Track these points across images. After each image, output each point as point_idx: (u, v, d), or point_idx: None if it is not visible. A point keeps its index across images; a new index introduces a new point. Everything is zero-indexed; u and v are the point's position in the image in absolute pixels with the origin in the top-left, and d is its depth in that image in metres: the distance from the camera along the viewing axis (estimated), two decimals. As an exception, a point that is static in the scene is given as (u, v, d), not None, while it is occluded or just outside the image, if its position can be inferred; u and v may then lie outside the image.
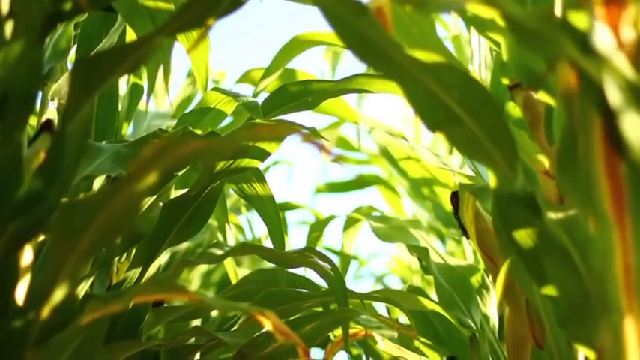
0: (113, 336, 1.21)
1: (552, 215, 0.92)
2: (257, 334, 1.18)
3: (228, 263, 1.55)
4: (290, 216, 2.20)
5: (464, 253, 2.02)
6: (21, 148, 0.90)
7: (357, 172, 2.45)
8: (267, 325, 0.90)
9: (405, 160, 1.71)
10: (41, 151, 0.99)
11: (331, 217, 1.57)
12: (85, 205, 0.78)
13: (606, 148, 0.79)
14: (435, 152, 1.53)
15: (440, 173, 1.67)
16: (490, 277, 1.53)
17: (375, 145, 2.05)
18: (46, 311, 0.79)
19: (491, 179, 0.96)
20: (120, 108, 1.42)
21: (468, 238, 1.22)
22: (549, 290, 0.94)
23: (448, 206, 1.64)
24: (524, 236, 0.93)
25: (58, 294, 0.79)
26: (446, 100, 0.90)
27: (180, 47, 1.48)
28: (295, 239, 2.41)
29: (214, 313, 1.79)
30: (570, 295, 0.89)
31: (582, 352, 0.99)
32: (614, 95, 0.73)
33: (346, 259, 1.53)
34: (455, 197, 1.22)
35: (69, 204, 0.78)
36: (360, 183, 2.36)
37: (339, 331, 1.51)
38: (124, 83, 1.55)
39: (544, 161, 1.09)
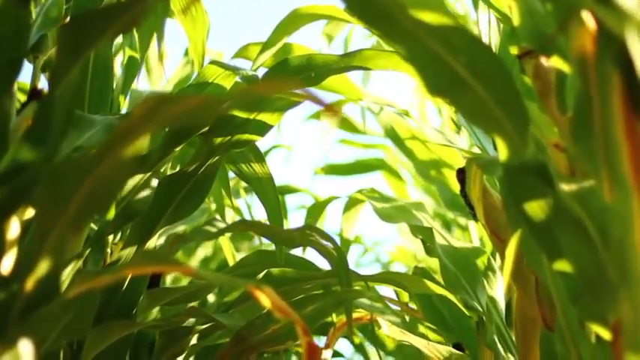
0: (106, 319, 1.17)
1: (565, 186, 0.88)
2: (256, 316, 1.14)
3: (227, 247, 1.51)
4: (290, 200, 2.15)
5: (470, 240, 1.98)
6: (6, 114, 0.86)
7: (360, 155, 2.42)
8: (265, 303, 0.86)
9: (411, 139, 1.66)
10: (29, 119, 0.95)
11: (332, 198, 1.53)
12: (71, 170, 0.74)
13: (626, 110, 0.75)
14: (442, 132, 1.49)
15: (446, 154, 1.62)
16: (497, 260, 1.49)
17: (379, 128, 2.01)
18: (30, 283, 0.75)
19: (500, 149, 0.92)
20: (116, 84, 1.38)
21: (475, 216, 1.18)
22: (562, 265, 0.90)
23: (455, 188, 1.59)
24: (535, 208, 0.89)
25: (43, 265, 0.75)
26: (453, 64, 0.86)
27: (178, 28, 1.45)
28: (295, 224, 2.36)
29: (212, 298, 1.76)
30: (585, 268, 0.85)
31: (596, 331, 0.95)
32: (637, 51, 0.68)
33: (346, 242, 1.48)
34: (461, 173, 1.18)
35: (54, 169, 0.74)
36: (363, 166, 2.31)
37: (341, 317, 1.47)
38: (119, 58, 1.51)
39: (554, 134, 1.05)
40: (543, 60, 1.00)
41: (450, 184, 1.61)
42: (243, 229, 1.13)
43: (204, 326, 1.18)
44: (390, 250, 2.93)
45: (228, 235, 1.67)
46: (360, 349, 1.88)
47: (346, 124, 2.30)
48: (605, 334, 0.91)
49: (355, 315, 1.43)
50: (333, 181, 2.37)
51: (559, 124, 1.01)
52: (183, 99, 0.71)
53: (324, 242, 1.11)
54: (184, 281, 1.75)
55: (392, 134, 1.74)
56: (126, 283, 1.21)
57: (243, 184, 2.01)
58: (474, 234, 1.97)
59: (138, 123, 0.71)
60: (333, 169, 2.35)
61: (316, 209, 1.61)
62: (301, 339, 0.88)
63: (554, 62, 0.97)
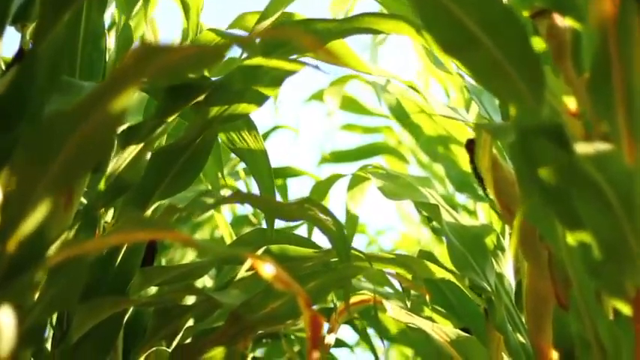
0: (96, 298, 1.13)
1: (583, 150, 0.84)
2: (253, 294, 1.10)
3: (224, 226, 1.46)
4: (291, 185, 2.10)
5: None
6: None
7: (363, 141, 2.37)
8: (265, 274, 0.82)
9: (418, 114, 1.61)
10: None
11: (336, 176, 1.48)
12: (54, 126, 0.69)
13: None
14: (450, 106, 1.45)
15: (455, 129, 1.58)
16: (505, 239, 1.45)
17: (383, 107, 1.97)
18: (12, 245, 0.71)
19: (512, 111, 0.87)
20: (109, 56, 1.34)
21: (484, 189, 1.13)
22: (580, 235, 0.86)
23: (463, 165, 1.55)
24: (550, 174, 0.85)
25: (26, 226, 0.71)
26: (465, 21, 0.82)
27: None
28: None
29: (209, 283, 1.72)
30: (605, 237, 0.81)
31: (614, 306, 0.91)
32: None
33: (352, 218, 1.44)
34: (471, 144, 1.13)
35: (35, 125, 0.69)
36: (367, 151, 2.26)
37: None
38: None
39: (569, 100, 1.01)
40: (558, 19, 0.95)
41: (458, 162, 1.57)
42: (239, 200, 1.08)
43: (200, 306, 1.13)
44: (394, 238, 2.89)
45: (228, 220, 1.63)
46: (363, 336, 1.83)
47: (350, 104, 2.25)
48: (625, 309, 0.88)
49: (358, 298, 1.39)
50: (336, 167, 2.32)
51: (575, 86, 0.97)
52: (175, 48, 0.67)
53: (324, 217, 1.07)
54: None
55: (397, 110, 1.69)
56: (118, 260, 1.17)
57: (242, 164, 1.97)
58: (482, 219, 1.92)
59: (127, 74, 0.67)
60: (338, 156, 2.31)
61: (320, 189, 1.56)
62: (304, 312, 0.84)
63: (569, 21, 0.93)
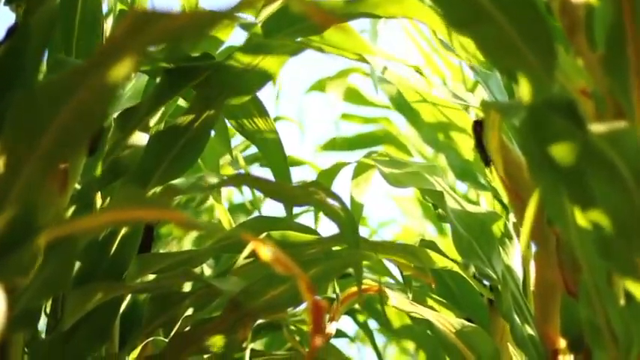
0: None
1: (597, 127, 0.81)
2: (253, 281, 1.07)
3: (223, 215, 1.43)
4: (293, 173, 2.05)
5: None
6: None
7: (364, 130, 2.33)
8: (265, 256, 0.79)
9: (419, 103, 1.58)
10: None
11: (341, 164, 1.45)
12: (44, 97, 0.66)
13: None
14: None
15: (457, 117, 1.55)
16: (511, 226, 1.41)
17: (384, 97, 1.93)
18: (1, 221, 0.68)
19: (523, 88, 0.85)
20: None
21: (492, 171, 1.10)
22: (593, 215, 0.83)
23: (465, 153, 1.52)
24: (563, 152, 0.82)
25: (14, 203, 0.68)
26: (475, -7, 0.80)
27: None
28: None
29: (208, 271, 1.68)
30: (619, 216, 0.78)
31: (627, 289, 0.88)
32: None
33: (357, 207, 1.40)
34: (478, 126, 1.10)
35: (24, 96, 0.66)
36: (369, 140, 2.23)
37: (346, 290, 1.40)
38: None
39: (581, 79, 0.98)
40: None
41: (460, 150, 1.53)
42: (241, 182, 1.05)
43: (198, 293, 1.10)
44: (395, 231, 2.85)
45: (226, 206, 1.60)
46: (364, 328, 1.80)
47: (352, 95, 2.22)
48: (638, 290, 0.85)
49: (362, 286, 1.36)
50: (337, 156, 2.27)
51: (588, 64, 0.94)
52: (171, 15, 0.64)
53: (331, 202, 1.03)
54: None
55: (397, 99, 1.66)
56: (114, 247, 1.14)
57: (244, 153, 1.94)
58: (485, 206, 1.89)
59: (121, 42, 0.64)
60: (338, 144, 2.27)
61: (325, 177, 1.53)
62: (305, 297, 0.81)
63: (583, -4, 0.90)
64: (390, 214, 3.50)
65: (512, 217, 1.48)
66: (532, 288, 1.36)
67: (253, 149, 1.82)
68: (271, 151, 1.19)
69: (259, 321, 1.66)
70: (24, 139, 0.67)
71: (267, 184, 1.00)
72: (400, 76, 1.53)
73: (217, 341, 1.06)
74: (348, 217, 1.02)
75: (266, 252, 0.79)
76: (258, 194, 1.98)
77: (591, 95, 0.97)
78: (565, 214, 0.92)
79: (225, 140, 1.30)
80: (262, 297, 1.02)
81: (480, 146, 1.11)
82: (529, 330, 1.21)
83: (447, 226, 2.56)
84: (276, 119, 2.09)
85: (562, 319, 1.08)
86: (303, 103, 3.39)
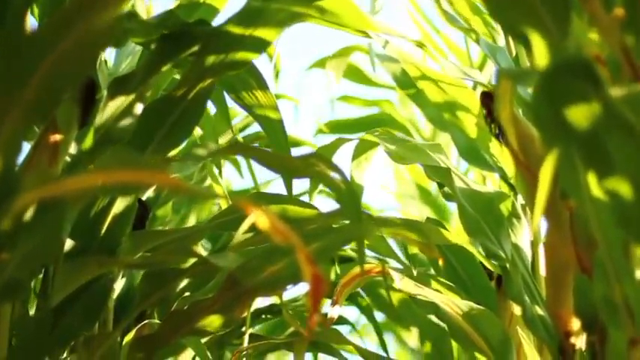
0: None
1: (616, 91, 0.77)
2: (251, 257, 1.02)
3: (218, 188, 1.39)
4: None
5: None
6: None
7: (365, 112, 2.29)
8: (262, 224, 0.75)
9: (423, 80, 1.54)
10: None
11: (340, 141, 1.40)
12: (25, 46, 0.62)
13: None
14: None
15: (461, 95, 1.50)
16: (519, 206, 1.37)
17: (386, 75, 1.89)
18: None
19: (536, 49, 0.80)
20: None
21: (502, 144, 1.06)
22: (612, 183, 0.79)
23: (470, 132, 1.47)
24: (580, 116, 0.78)
25: (-5, 161, 0.64)
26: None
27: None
28: (298, 186, 2.22)
29: (204, 253, 1.64)
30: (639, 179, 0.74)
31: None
32: None
33: (358, 188, 1.36)
34: (487, 97, 1.06)
35: (3, 45, 0.62)
36: (367, 123, 2.18)
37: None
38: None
39: (594, 45, 0.94)
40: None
41: (465, 130, 1.49)
42: (237, 152, 1.01)
43: (194, 270, 1.06)
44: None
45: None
46: (367, 314, 1.76)
47: (352, 73, 2.18)
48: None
49: (366, 266, 1.32)
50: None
51: (603, 28, 0.89)
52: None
53: (332, 174, 0.99)
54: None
55: (401, 77, 1.61)
56: (107, 224, 1.10)
57: (243, 133, 1.90)
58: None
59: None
60: (337, 127, 2.23)
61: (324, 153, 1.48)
62: (304, 269, 0.76)
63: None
64: (389, 205, 3.45)
65: (520, 199, 1.44)
66: (542, 269, 1.32)
67: (252, 129, 1.78)
68: (270, 125, 1.15)
69: (259, 305, 1.62)
70: (6, 92, 0.63)
71: (266, 155, 0.95)
72: (404, 52, 1.49)
73: (213, 320, 1.01)
74: (349, 191, 0.98)
75: (264, 220, 0.75)
76: (260, 181, 1.94)
77: (606, 62, 0.93)
78: (580, 184, 0.88)
79: (224, 114, 1.27)
80: (260, 273, 0.98)
81: (490, 118, 1.07)
82: (540, 312, 1.17)
83: (448, 213, 2.54)
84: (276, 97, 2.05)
85: (575, 299, 1.04)
86: (302, 84, 3.32)
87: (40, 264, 0.97)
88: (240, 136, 1.78)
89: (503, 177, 1.49)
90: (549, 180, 0.95)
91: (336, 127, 2.22)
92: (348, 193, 0.98)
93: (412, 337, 2.42)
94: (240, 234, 1.04)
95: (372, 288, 1.75)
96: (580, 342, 1.08)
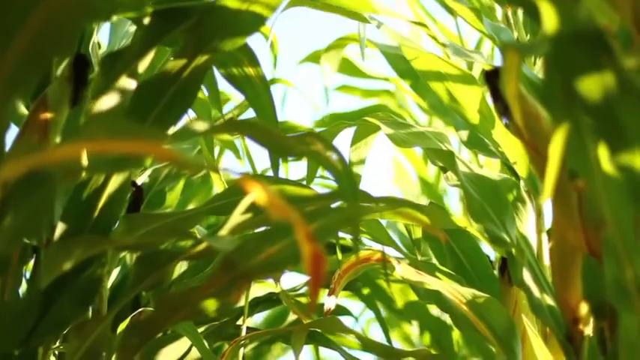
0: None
1: (629, 61, 0.74)
2: (249, 238, 0.99)
3: (220, 186, 1.36)
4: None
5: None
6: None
7: (363, 104, 2.26)
8: (259, 198, 0.72)
9: (423, 64, 1.50)
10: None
11: (339, 125, 1.37)
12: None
13: None
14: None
15: (463, 80, 1.47)
16: (524, 192, 1.34)
17: (384, 67, 1.86)
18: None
19: (545, 17, 0.77)
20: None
21: (508, 124, 1.03)
22: (622, 156, 0.76)
23: (471, 117, 1.44)
24: (592, 86, 0.75)
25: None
26: None
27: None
28: (295, 174, 2.19)
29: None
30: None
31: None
32: None
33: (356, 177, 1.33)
34: (492, 76, 1.03)
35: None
36: (366, 114, 2.14)
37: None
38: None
39: (604, 16, 0.91)
40: None
41: (466, 114, 1.45)
42: (232, 129, 0.98)
43: (189, 253, 1.03)
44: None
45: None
46: (369, 302, 1.73)
47: (347, 67, 2.14)
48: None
49: (366, 253, 1.29)
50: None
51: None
52: None
53: (330, 154, 0.96)
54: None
55: (400, 63, 1.58)
56: (100, 206, 1.07)
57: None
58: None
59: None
60: (335, 119, 2.20)
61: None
62: (302, 246, 0.73)
63: None
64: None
65: (523, 184, 1.41)
66: (548, 255, 1.29)
67: (247, 115, 1.75)
68: (260, 102, 1.12)
69: (257, 294, 1.59)
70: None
71: (261, 132, 0.92)
72: (402, 36, 1.46)
73: (209, 305, 0.98)
74: (346, 170, 0.95)
75: (262, 194, 0.72)
76: (258, 168, 1.91)
77: (616, 34, 0.90)
78: (590, 160, 0.85)
79: (215, 94, 1.23)
80: (258, 255, 0.94)
81: (495, 97, 1.04)
82: (546, 298, 1.14)
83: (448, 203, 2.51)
84: (271, 82, 2.01)
85: (584, 284, 1.01)
86: (297, 75, 3.29)
87: (25, 239, 0.94)
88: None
89: (507, 163, 1.46)
90: (558, 158, 0.92)
91: (335, 118, 2.19)
92: (346, 174, 0.95)
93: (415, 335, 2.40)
94: (237, 215, 1.01)
95: (371, 279, 1.73)
96: (588, 329, 1.06)
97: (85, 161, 0.81)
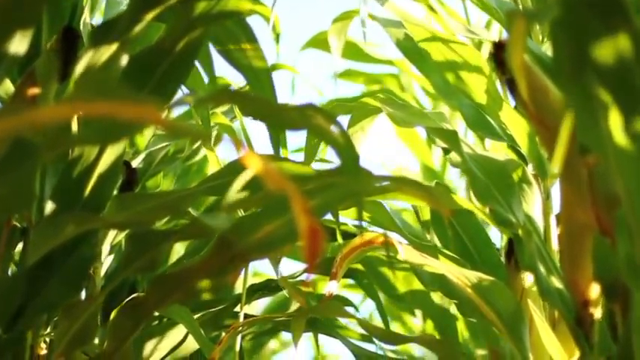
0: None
1: (643, 22, 0.70)
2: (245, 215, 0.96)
3: (214, 161, 1.33)
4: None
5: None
6: None
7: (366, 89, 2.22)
8: (253, 167, 0.69)
9: (428, 42, 1.47)
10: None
11: (339, 107, 1.33)
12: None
13: None
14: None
15: (470, 58, 1.43)
16: (533, 176, 1.31)
17: (389, 51, 1.83)
18: None
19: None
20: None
21: (512, 92, 1.00)
22: (637, 124, 0.73)
23: (478, 97, 1.41)
24: (606, 50, 0.72)
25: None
26: None
27: None
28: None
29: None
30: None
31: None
32: None
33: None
34: (498, 48, 1.00)
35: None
36: (368, 97, 2.11)
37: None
38: None
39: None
40: None
41: (473, 96, 1.42)
42: (226, 99, 0.94)
43: (183, 232, 1.00)
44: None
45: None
46: (368, 290, 1.70)
47: (351, 50, 2.11)
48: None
49: (369, 235, 1.26)
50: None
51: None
52: None
53: (332, 128, 0.92)
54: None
55: (404, 40, 1.54)
56: (91, 184, 1.04)
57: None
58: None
59: None
60: (338, 103, 2.15)
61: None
62: (300, 220, 0.70)
63: None
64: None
65: (530, 168, 1.38)
66: (555, 238, 1.26)
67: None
68: (257, 79, 1.09)
69: (255, 281, 1.56)
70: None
71: (258, 103, 0.88)
72: (407, 13, 1.43)
73: (204, 286, 0.95)
74: (348, 144, 0.91)
75: (258, 164, 0.69)
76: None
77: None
78: (602, 132, 0.82)
79: (209, 71, 1.20)
80: (255, 234, 0.91)
81: (501, 70, 1.01)
82: (555, 281, 1.10)
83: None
84: (273, 67, 1.98)
85: (595, 264, 0.97)
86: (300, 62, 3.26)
87: (9, 212, 0.91)
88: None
89: (513, 146, 1.42)
90: (567, 131, 0.89)
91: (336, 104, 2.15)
92: (348, 148, 0.92)
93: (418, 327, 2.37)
94: (234, 193, 0.98)
95: (373, 266, 1.69)
96: (598, 312, 1.02)
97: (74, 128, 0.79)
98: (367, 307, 2.83)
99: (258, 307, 2.35)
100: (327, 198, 0.91)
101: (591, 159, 0.92)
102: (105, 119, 0.96)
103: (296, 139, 2.04)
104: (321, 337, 1.68)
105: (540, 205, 1.27)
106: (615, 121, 0.79)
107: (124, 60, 1.01)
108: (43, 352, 1.16)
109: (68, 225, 0.87)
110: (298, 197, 0.70)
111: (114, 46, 0.98)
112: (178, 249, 1.61)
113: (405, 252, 1.20)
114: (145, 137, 1.77)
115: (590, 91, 0.77)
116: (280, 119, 0.91)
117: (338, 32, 1.75)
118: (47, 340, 1.18)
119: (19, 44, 0.84)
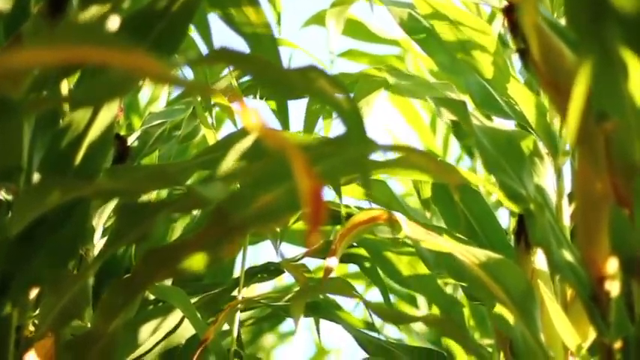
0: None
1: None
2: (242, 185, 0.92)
3: (209, 132, 1.29)
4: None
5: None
6: None
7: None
8: (250, 124, 0.65)
9: (434, 18, 1.42)
10: None
11: (345, 77, 1.29)
12: None
13: None
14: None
15: (476, 33, 1.39)
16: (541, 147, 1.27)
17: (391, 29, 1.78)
18: None
19: None
20: None
21: (524, 57, 0.96)
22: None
23: (486, 72, 1.37)
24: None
25: None
26: None
27: None
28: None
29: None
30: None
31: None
32: None
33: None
34: (510, 11, 0.96)
35: None
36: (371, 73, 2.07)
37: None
38: None
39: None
40: None
41: (481, 70, 1.38)
42: (223, 59, 0.90)
43: (177, 203, 0.95)
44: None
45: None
46: (371, 273, 1.65)
47: (354, 29, 2.06)
48: None
49: (373, 213, 1.22)
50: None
51: None
52: None
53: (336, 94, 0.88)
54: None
55: (408, 20, 1.50)
56: (80, 155, 1.00)
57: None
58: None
59: None
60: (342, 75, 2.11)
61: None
62: (300, 180, 0.66)
63: None
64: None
65: (542, 146, 1.34)
66: (569, 213, 1.22)
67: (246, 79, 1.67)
68: (261, 44, 1.05)
69: (255, 263, 1.52)
70: None
71: (257, 64, 0.84)
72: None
73: (198, 260, 0.91)
74: (354, 109, 0.87)
75: (253, 120, 0.65)
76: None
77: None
78: (621, 96, 0.78)
79: (207, 38, 1.16)
80: (252, 204, 0.87)
81: (514, 32, 0.97)
82: (568, 257, 1.06)
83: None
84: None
85: (612, 237, 0.93)
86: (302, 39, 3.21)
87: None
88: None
89: (522, 123, 1.38)
90: (583, 94, 0.85)
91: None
92: (353, 113, 0.87)
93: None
94: (230, 161, 0.94)
95: (376, 250, 1.65)
96: (615, 289, 0.98)
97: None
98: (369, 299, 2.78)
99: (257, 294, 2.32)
100: (332, 165, 0.87)
101: (609, 125, 0.88)
102: (97, 78, 0.92)
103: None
104: (323, 331, 1.64)
105: (553, 180, 1.23)
106: (637, 82, 0.75)
107: (116, 22, 0.97)
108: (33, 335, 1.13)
109: (54, 192, 0.83)
110: (300, 158, 0.66)
111: (104, 8, 0.94)
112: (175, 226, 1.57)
113: (410, 228, 1.16)
114: (140, 115, 1.74)
115: (609, 47, 0.73)
116: (282, 83, 0.87)
117: (337, 14, 1.71)
118: (37, 322, 1.15)
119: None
